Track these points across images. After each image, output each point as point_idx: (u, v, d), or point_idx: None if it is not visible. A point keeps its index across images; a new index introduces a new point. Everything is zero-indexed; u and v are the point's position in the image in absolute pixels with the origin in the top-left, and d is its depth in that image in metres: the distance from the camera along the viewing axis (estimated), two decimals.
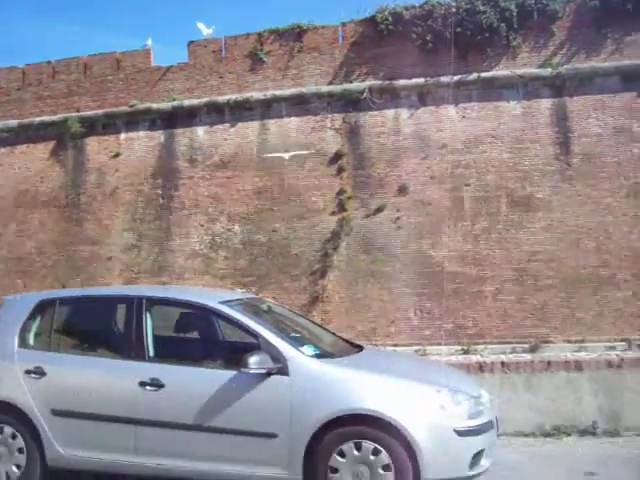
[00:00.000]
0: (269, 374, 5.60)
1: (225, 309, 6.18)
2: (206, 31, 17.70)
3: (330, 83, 16.47)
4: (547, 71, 15.45)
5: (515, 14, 15.42)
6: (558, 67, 15.44)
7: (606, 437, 7.85)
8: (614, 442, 7.70)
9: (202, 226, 16.75)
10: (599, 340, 14.13)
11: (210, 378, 5.80)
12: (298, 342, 6.10)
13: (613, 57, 15.37)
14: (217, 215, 16.74)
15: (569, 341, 14.36)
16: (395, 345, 14.60)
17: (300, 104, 16.52)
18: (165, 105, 17.26)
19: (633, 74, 15.16)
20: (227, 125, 17.02)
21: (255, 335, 5.89)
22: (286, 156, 15.90)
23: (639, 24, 15.28)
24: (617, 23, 15.30)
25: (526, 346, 14.21)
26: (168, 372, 5.91)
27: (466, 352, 13.83)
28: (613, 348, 13.50)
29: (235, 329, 6.26)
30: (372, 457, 5.37)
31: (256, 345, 5.80)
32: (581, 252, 14.88)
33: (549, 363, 8.23)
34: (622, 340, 14.10)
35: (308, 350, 5.95)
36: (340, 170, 16.07)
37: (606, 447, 7.52)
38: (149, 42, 18.18)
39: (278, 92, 16.65)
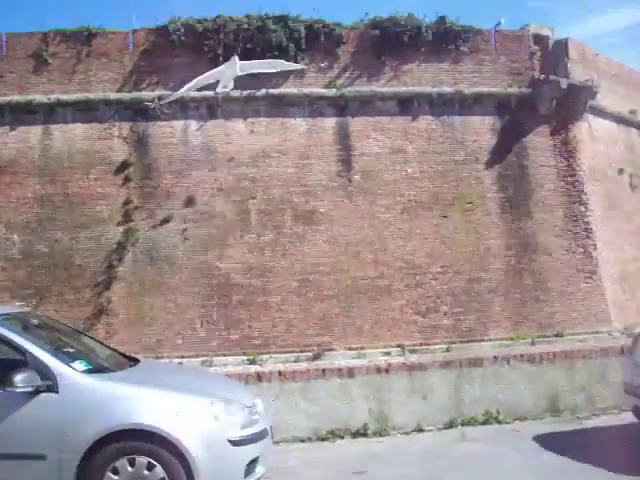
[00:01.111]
0: (37, 392, 5.39)
1: None
2: None
3: (119, 90, 16.10)
4: (332, 91, 16.32)
5: (304, 35, 16.17)
6: (342, 88, 16.37)
7: (375, 437, 8.35)
8: (382, 441, 8.20)
9: None
10: (377, 347, 15.03)
11: None
12: (69, 357, 5.91)
13: (391, 83, 16.61)
14: None
15: (350, 348, 15.10)
16: (182, 357, 14.49)
17: (87, 110, 15.99)
18: None
19: (409, 100, 16.53)
20: (7, 128, 16.00)
21: (22, 351, 5.62)
22: None
23: (415, 54, 16.79)
24: (395, 52, 16.64)
25: (310, 354, 14.74)
26: None
27: (252, 362, 14.05)
28: (389, 354, 14.46)
29: (1, 345, 5.95)
30: (146, 472, 5.32)
31: (24, 362, 5.56)
32: (360, 264, 15.75)
33: (324, 371, 8.62)
34: (397, 346, 15.11)
35: (79, 365, 5.79)
36: (127, 179, 15.74)
37: (375, 446, 8.00)
38: None
39: (64, 96, 15.97)
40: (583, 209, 16.84)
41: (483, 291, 15.97)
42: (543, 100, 16.90)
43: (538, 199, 16.71)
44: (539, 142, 17.08)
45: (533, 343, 14.47)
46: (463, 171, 16.46)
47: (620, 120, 19.64)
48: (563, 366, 8.94)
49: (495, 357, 9.11)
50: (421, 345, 15.26)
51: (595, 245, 16.62)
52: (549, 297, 16.15)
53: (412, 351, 14.79)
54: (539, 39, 17.51)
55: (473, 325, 15.76)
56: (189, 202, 15.67)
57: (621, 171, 19.12)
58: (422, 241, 15.96)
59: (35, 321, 7.01)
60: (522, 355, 9.11)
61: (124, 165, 15.80)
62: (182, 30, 16.02)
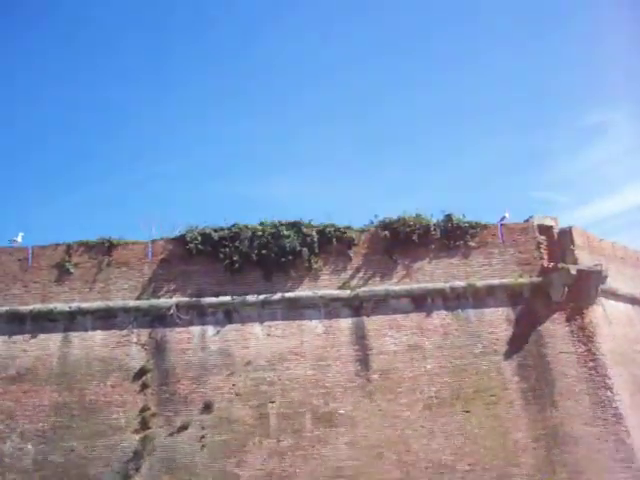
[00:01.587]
0: None
1: None
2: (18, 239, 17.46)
3: (138, 298, 16.55)
4: (346, 292, 16.72)
5: (316, 239, 16.87)
6: (356, 289, 16.80)
7: None
8: None
9: None
10: None
11: None
12: None
13: (404, 281, 17.06)
14: (8, 433, 15.50)
15: None
16: None
17: (106, 318, 16.38)
18: None
19: (422, 296, 16.88)
20: (27, 336, 16.34)
21: None
22: None
23: (425, 252, 17.40)
24: (406, 251, 17.25)
25: None
26: None
27: None
28: None
29: None
30: None
31: None
32: (384, 465, 15.23)
33: None
34: None
35: None
36: (144, 386, 15.75)
37: None
38: None
39: (84, 304, 16.42)
40: (609, 394, 16.45)
41: None
42: (555, 287, 17.14)
43: (562, 387, 16.40)
44: (556, 329, 17.09)
45: None
46: (482, 364, 16.37)
47: (634, 301, 19.74)
48: None
49: None
50: None
51: (628, 431, 16.03)
52: None
53: None
54: (544, 229, 18.08)
55: None
56: (207, 408, 15.53)
57: None
58: (446, 438, 15.51)
59: None
60: None
61: (142, 371, 15.88)
62: (199, 238, 16.78)
